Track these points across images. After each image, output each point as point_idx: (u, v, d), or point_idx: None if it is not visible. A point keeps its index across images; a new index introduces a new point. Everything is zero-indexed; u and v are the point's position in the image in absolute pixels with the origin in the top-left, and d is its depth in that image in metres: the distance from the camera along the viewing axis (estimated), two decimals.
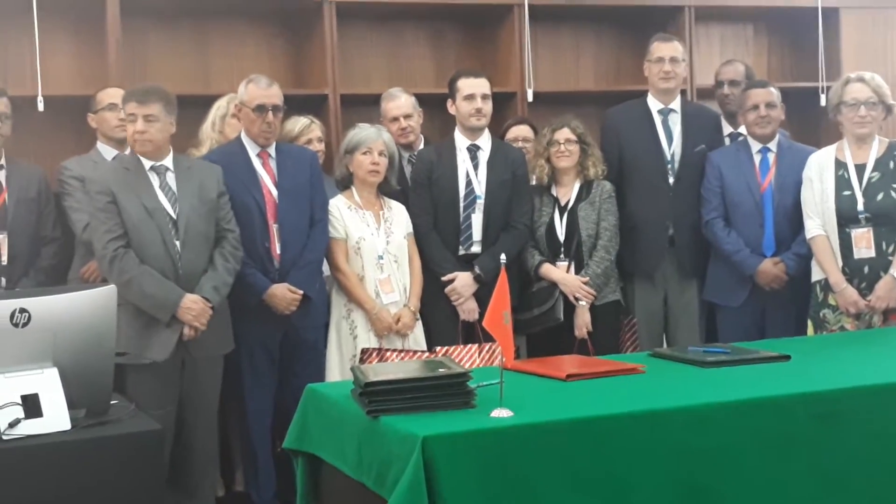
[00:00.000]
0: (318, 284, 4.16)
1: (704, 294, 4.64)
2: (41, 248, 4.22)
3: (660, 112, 4.63)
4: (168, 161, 3.84)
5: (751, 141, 4.55)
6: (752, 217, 4.47)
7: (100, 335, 2.72)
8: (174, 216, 3.78)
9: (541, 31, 5.44)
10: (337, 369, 4.16)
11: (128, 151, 4.26)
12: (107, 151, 4.30)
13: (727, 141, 4.84)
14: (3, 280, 4.04)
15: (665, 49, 4.58)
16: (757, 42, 6.05)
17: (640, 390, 2.83)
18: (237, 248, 3.91)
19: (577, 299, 4.33)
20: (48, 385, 2.61)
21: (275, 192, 4.09)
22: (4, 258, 4.08)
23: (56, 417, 2.59)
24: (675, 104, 4.65)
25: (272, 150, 4.14)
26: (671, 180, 4.58)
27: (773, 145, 4.53)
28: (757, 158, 4.52)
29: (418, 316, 4.28)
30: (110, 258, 3.69)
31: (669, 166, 4.59)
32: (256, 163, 4.10)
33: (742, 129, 4.77)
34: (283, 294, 4.00)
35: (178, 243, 3.76)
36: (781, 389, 2.76)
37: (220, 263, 3.85)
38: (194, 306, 3.73)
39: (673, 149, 4.60)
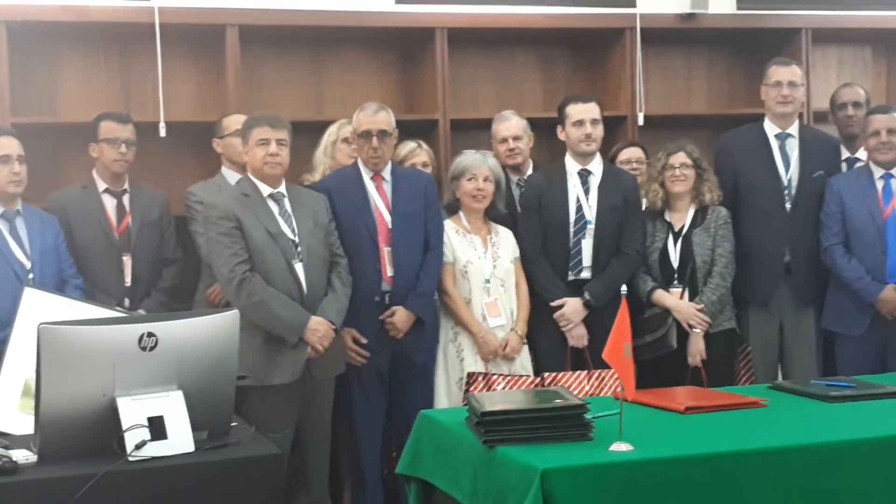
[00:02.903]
0: (432, 309, 4.18)
1: (823, 323, 4.52)
2: (163, 269, 4.34)
3: (777, 137, 4.55)
4: (283, 188, 3.92)
5: (873, 167, 4.43)
6: (873, 244, 4.34)
7: (223, 359, 2.77)
8: (296, 240, 3.85)
9: (652, 53, 5.40)
10: (444, 392, 4.17)
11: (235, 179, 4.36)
12: (231, 176, 4.38)
13: (844, 166, 4.72)
14: (127, 301, 4.17)
15: (783, 73, 4.51)
16: (875, 64, 5.89)
17: (762, 425, 2.77)
18: (349, 274, 3.98)
19: (691, 327, 4.26)
20: (173, 407, 2.66)
21: (387, 216, 4.12)
22: (128, 279, 4.20)
23: (180, 440, 2.63)
24: (793, 129, 4.56)
25: (387, 174, 4.18)
26: (788, 206, 4.49)
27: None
28: (879, 184, 4.40)
29: (525, 340, 4.26)
30: (238, 280, 3.74)
31: (786, 192, 4.49)
32: (370, 186, 4.15)
33: (860, 155, 4.65)
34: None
35: (301, 266, 3.83)
36: None
37: (339, 287, 3.93)
38: (320, 328, 3.79)
39: (790, 174, 4.51)
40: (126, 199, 4.28)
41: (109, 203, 4.26)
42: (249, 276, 3.75)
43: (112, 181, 4.27)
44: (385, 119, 4.12)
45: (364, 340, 4.04)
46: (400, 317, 4.04)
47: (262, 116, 3.93)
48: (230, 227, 3.77)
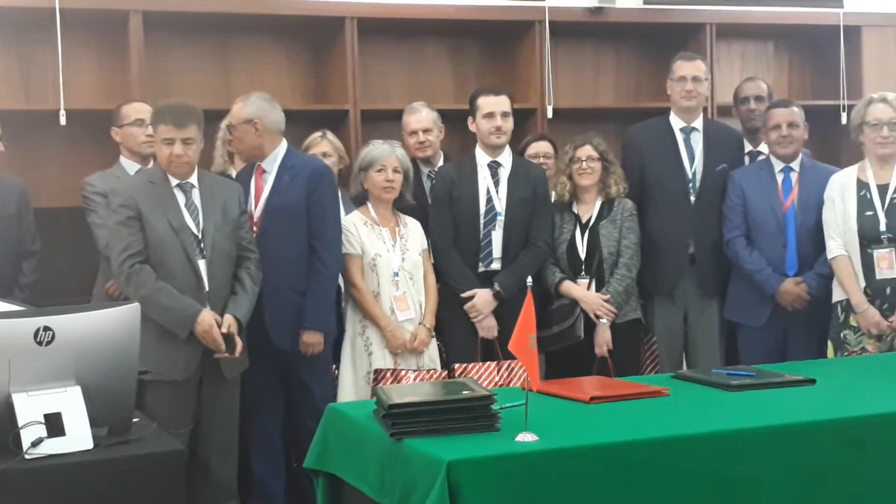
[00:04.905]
0: (327, 321, 4.10)
1: (725, 313, 4.62)
2: (22, 262, 4.17)
3: (682, 130, 4.62)
4: (194, 178, 3.80)
5: (773, 160, 4.54)
6: (774, 236, 4.45)
7: (123, 353, 2.72)
8: (199, 234, 3.75)
9: (561, 47, 5.44)
10: (351, 386, 4.13)
11: (150, 164, 4.27)
12: (130, 166, 4.29)
13: (746, 159, 4.83)
14: None
15: (688, 68, 4.58)
16: (778, 59, 6.03)
17: (664, 414, 2.81)
18: (259, 271, 3.88)
19: (597, 317, 4.31)
20: (71, 404, 2.61)
21: (255, 211, 4.02)
22: None
23: (79, 436, 2.58)
24: (698, 123, 4.64)
25: (270, 165, 4.06)
26: (692, 199, 4.57)
27: (795, 165, 4.51)
28: (779, 178, 4.50)
29: (433, 333, 4.26)
30: (126, 274, 3.65)
31: (691, 185, 4.57)
32: (254, 179, 4.08)
33: (762, 148, 4.75)
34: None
35: (203, 262, 3.73)
36: (809, 415, 2.74)
37: (248, 284, 3.82)
38: (206, 318, 3.66)
39: (695, 167, 4.59)
40: None
41: None
42: (138, 268, 3.65)
43: None
44: (233, 112, 4.06)
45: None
46: (308, 337, 3.96)
47: (168, 112, 3.74)
48: (127, 216, 3.67)
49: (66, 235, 4.45)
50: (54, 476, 2.50)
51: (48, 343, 2.58)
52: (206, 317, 3.66)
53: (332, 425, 2.99)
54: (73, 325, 2.63)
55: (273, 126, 4.08)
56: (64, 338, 2.60)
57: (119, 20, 4.63)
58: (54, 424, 2.56)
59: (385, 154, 4.22)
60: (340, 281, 4.27)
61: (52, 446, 2.54)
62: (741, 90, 5.02)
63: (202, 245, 3.74)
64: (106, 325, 2.68)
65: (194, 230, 3.74)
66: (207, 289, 3.73)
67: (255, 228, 4.00)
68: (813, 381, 3.14)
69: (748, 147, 4.88)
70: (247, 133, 4.04)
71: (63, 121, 4.51)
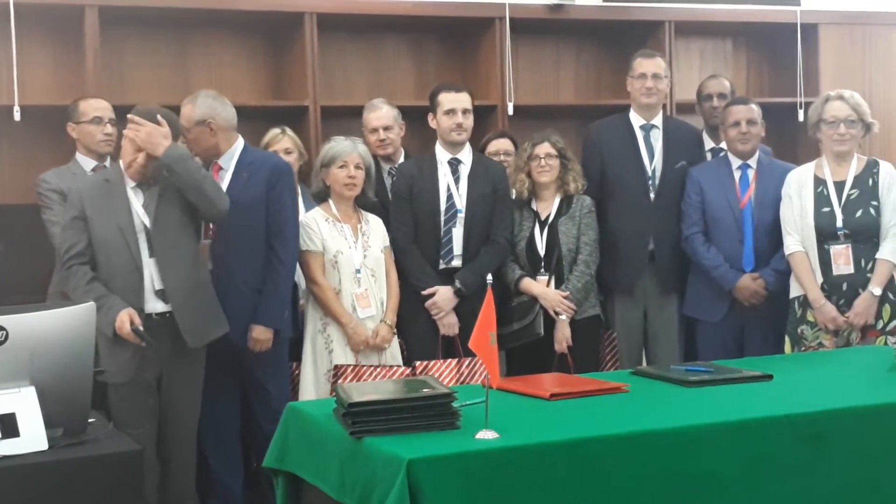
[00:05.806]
0: (288, 312, 4.09)
1: (684, 309, 4.66)
2: None
3: (642, 128, 4.65)
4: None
5: (731, 157, 4.58)
6: (731, 232, 4.49)
7: (78, 353, 2.69)
8: (153, 232, 3.68)
9: (521, 44, 5.45)
10: (312, 384, 4.11)
11: (107, 162, 4.22)
12: (86, 163, 4.22)
13: (709, 156, 4.86)
14: None
15: (648, 65, 4.61)
16: (736, 57, 6.08)
17: (624, 411, 2.82)
18: None
19: (557, 314, 4.33)
20: (25, 404, 2.58)
21: None
22: None
23: (33, 437, 2.55)
24: (657, 120, 4.67)
25: (227, 162, 4.02)
26: (652, 196, 4.60)
27: (753, 161, 4.56)
28: (737, 174, 4.54)
29: (395, 330, 4.25)
30: (65, 276, 3.63)
31: (650, 182, 4.60)
32: None
33: (724, 145, 4.79)
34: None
35: (152, 261, 3.66)
36: (766, 411, 2.76)
37: None
38: (121, 315, 3.55)
39: (654, 164, 4.62)
40: None
41: None
42: (75, 269, 3.61)
43: None
44: (184, 115, 4.00)
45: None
46: (258, 332, 3.93)
47: (144, 116, 3.68)
48: (72, 216, 3.64)
49: (20, 233, 4.38)
50: (8, 478, 2.47)
51: (1, 343, 2.55)
52: (121, 315, 3.56)
53: (291, 424, 2.97)
54: (27, 324, 2.60)
55: (226, 123, 4.03)
56: (18, 338, 2.57)
57: (74, 15, 4.57)
58: (8, 425, 2.53)
59: (347, 150, 4.20)
60: (300, 279, 4.25)
61: (6, 447, 2.51)
62: (704, 87, 5.05)
63: (153, 243, 3.66)
64: (61, 324, 2.65)
65: (150, 227, 3.68)
66: (161, 287, 3.66)
67: (211, 225, 3.95)
68: (770, 377, 3.16)
69: (710, 144, 4.92)
70: (201, 134, 3.99)
71: (17, 116, 4.44)
